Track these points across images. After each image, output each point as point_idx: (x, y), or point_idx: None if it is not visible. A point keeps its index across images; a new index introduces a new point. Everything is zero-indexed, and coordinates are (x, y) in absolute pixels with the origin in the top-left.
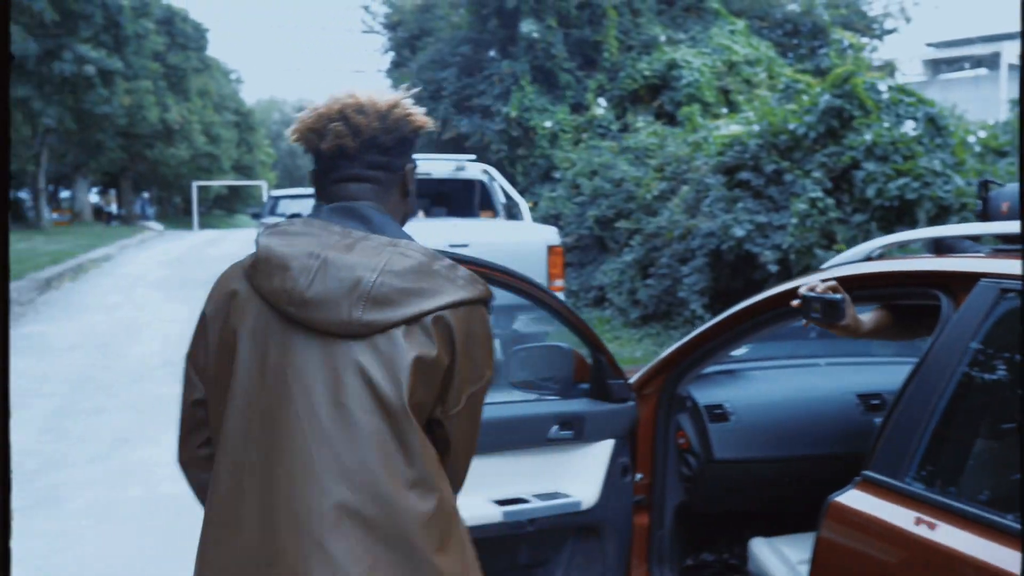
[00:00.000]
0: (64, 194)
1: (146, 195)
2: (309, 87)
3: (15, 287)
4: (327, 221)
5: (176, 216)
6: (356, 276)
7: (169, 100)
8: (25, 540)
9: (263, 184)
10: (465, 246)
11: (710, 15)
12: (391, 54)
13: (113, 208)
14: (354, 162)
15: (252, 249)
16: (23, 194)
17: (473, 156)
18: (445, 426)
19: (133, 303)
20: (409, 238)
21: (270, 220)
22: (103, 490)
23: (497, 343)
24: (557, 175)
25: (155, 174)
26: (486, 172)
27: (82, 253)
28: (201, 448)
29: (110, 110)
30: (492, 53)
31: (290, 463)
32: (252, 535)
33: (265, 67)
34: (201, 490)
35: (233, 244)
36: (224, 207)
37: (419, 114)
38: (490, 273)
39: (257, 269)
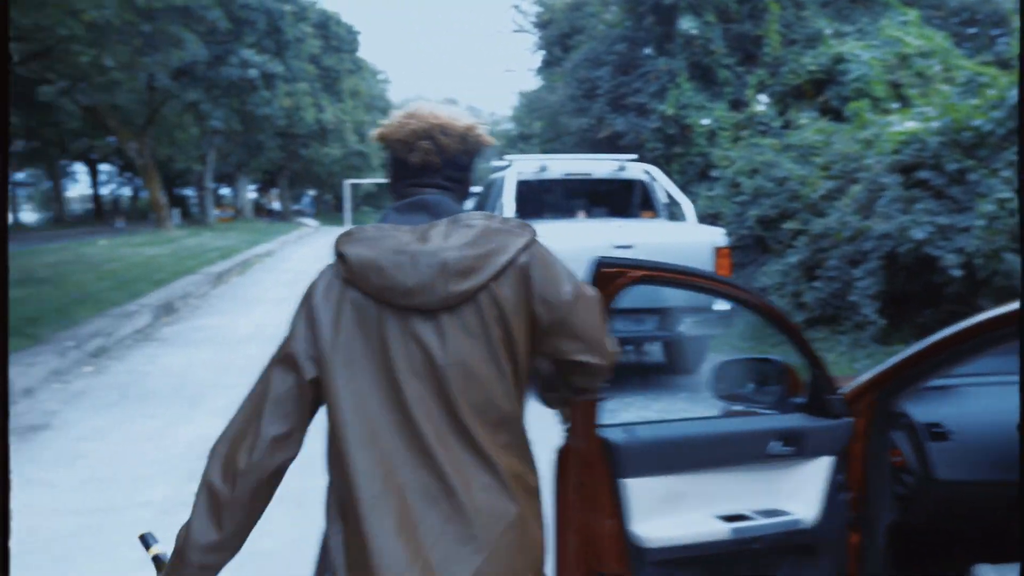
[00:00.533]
0: (224, 191)
1: (311, 193)
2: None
3: (191, 281)
4: (395, 223)
5: (328, 213)
6: (440, 259)
7: (324, 101)
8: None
9: None
10: (630, 247)
11: (879, 6)
12: (542, 53)
13: (276, 205)
14: (436, 175)
15: (346, 252)
16: (189, 192)
17: (634, 156)
18: (567, 324)
19: (297, 297)
20: (462, 209)
21: None
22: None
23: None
24: (715, 173)
25: (309, 172)
26: (647, 172)
27: (247, 248)
28: (279, 430)
29: (271, 111)
30: (648, 50)
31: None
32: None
33: (411, 66)
34: (273, 472)
35: None
36: (372, 204)
37: (487, 135)
38: (699, 280)
39: (354, 273)
